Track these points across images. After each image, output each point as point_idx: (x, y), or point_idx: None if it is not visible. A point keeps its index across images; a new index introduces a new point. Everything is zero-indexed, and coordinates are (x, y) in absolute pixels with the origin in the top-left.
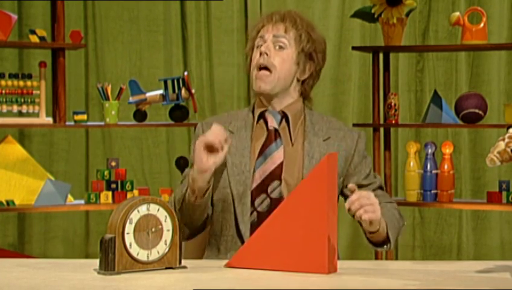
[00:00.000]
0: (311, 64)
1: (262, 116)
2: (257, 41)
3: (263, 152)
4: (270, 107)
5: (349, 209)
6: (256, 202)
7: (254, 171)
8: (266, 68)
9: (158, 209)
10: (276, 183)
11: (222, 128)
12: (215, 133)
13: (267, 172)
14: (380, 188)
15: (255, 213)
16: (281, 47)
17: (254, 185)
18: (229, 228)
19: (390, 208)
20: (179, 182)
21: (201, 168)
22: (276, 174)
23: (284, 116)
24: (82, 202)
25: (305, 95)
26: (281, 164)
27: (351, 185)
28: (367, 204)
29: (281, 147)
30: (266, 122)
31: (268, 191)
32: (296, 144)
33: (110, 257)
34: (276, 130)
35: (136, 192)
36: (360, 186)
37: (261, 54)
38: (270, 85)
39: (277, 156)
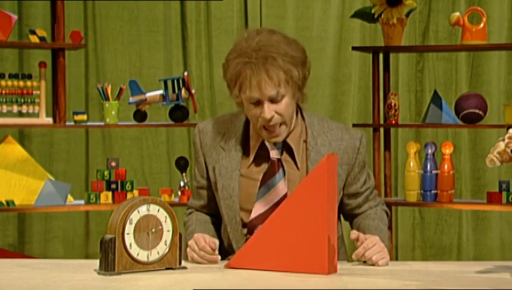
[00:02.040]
0: (303, 82)
1: (262, 144)
2: (248, 100)
3: (265, 182)
4: None
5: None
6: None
7: (255, 201)
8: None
9: (158, 210)
10: None
11: (208, 247)
12: (203, 258)
13: (270, 203)
14: (374, 188)
15: None
16: (280, 99)
17: (254, 215)
18: (227, 247)
19: (380, 214)
20: (179, 183)
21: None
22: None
23: (286, 145)
24: (82, 202)
25: (300, 106)
26: (285, 195)
27: (353, 234)
28: (375, 253)
29: (284, 177)
30: (266, 149)
31: None
32: (301, 166)
33: (110, 257)
34: (278, 159)
35: (136, 192)
36: (357, 194)
37: (264, 119)
38: (284, 135)
39: (281, 187)
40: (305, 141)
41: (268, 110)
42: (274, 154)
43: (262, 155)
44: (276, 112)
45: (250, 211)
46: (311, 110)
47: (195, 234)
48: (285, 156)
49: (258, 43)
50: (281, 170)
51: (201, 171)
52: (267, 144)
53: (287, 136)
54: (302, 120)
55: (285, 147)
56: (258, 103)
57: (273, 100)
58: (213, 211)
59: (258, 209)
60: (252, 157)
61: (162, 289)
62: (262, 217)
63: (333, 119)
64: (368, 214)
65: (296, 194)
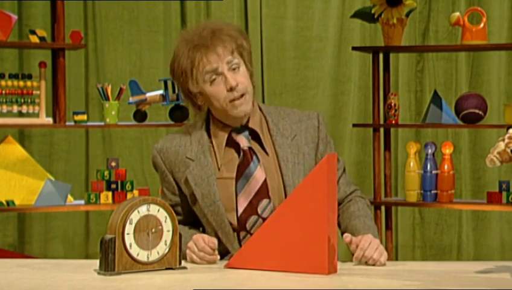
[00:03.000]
0: (251, 57)
1: (228, 137)
2: (208, 77)
3: (242, 174)
4: (235, 123)
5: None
6: (248, 225)
7: (237, 195)
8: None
9: (158, 210)
10: (265, 202)
11: (208, 247)
12: (205, 257)
13: (252, 193)
14: (344, 170)
15: (248, 236)
16: (237, 67)
17: (241, 209)
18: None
19: (363, 209)
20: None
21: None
22: (263, 193)
23: (252, 132)
24: (82, 202)
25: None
26: (265, 181)
27: (346, 238)
28: (373, 251)
29: (259, 164)
30: (233, 142)
31: (259, 211)
32: (270, 152)
33: (110, 257)
34: (249, 148)
35: (136, 192)
36: None
37: (231, 88)
38: (250, 104)
39: (258, 174)
40: (268, 128)
41: (232, 78)
42: (244, 143)
43: (230, 154)
44: (237, 80)
45: (235, 209)
46: (311, 111)
47: (194, 235)
48: (254, 144)
49: (199, 27)
50: (254, 158)
51: (172, 188)
52: (234, 136)
53: (248, 121)
54: (259, 110)
55: (252, 135)
56: (217, 77)
57: (230, 68)
58: (190, 223)
59: (242, 203)
60: (220, 158)
61: (162, 289)
62: (249, 209)
63: (287, 107)
64: (351, 212)
65: (296, 194)
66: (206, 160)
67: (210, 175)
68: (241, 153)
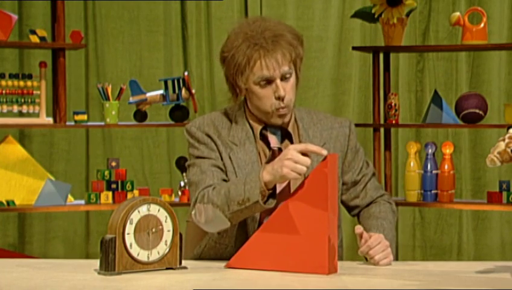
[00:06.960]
0: (301, 64)
1: (261, 133)
2: (260, 80)
3: None
4: (270, 121)
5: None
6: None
7: None
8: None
9: (158, 210)
10: None
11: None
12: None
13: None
14: (373, 175)
15: None
16: (289, 76)
17: None
18: (238, 237)
19: (384, 213)
20: (179, 183)
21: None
22: (286, 193)
23: (285, 132)
24: (82, 202)
25: None
26: (288, 183)
27: (357, 229)
28: (379, 252)
29: None
30: (264, 138)
31: None
32: None
33: (110, 257)
34: (279, 148)
35: (136, 192)
36: (354, 182)
37: (279, 97)
38: (289, 115)
39: None
40: (298, 134)
41: (282, 88)
42: (274, 143)
43: (262, 146)
44: (286, 91)
45: None
46: (344, 118)
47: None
48: (286, 143)
49: (261, 26)
50: None
51: (216, 156)
52: (267, 133)
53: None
54: (293, 114)
55: (284, 134)
56: (268, 83)
57: (283, 77)
58: None
59: None
60: (256, 138)
61: (162, 289)
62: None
63: (320, 110)
64: (372, 212)
65: (296, 194)
66: (251, 147)
67: (254, 161)
68: (270, 152)
